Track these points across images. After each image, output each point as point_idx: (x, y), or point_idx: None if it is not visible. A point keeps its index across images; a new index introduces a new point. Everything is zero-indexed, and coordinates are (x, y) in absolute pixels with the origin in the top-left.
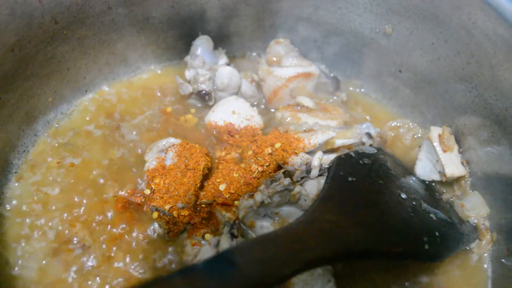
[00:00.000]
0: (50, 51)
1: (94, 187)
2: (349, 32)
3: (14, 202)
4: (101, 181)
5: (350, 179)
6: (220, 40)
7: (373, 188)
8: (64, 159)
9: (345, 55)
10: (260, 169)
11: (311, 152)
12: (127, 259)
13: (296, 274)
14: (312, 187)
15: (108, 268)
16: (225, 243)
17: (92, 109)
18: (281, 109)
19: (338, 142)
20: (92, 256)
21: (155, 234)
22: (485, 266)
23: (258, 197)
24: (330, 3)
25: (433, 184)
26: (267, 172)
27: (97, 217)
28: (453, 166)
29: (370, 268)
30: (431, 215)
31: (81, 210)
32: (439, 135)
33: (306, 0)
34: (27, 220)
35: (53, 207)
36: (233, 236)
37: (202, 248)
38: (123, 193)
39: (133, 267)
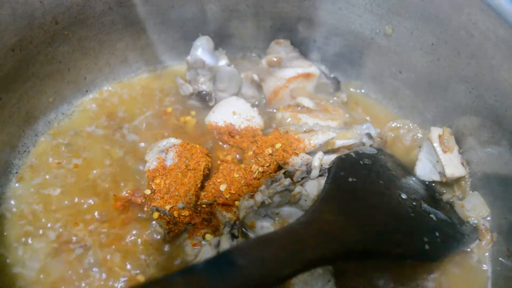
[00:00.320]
0: (51, 51)
1: (95, 188)
2: (349, 32)
3: (14, 202)
4: (102, 181)
5: (350, 179)
6: (221, 41)
7: (373, 189)
8: (64, 159)
9: (345, 55)
10: (260, 169)
11: (312, 153)
12: (128, 259)
13: (296, 274)
14: (313, 188)
15: (108, 268)
16: (226, 243)
17: (93, 110)
18: (282, 110)
19: (339, 143)
20: (92, 256)
21: (156, 235)
22: (485, 266)
23: (259, 197)
24: (330, 4)
25: (433, 184)
26: (268, 173)
27: (97, 217)
28: (453, 166)
29: (370, 268)
30: (431, 215)
31: (82, 211)
32: (439, 136)
33: (306, 0)
34: (28, 221)
35: (54, 208)
36: (233, 236)
37: (203, 249)
38: (123, 193)
39: (133, 267)
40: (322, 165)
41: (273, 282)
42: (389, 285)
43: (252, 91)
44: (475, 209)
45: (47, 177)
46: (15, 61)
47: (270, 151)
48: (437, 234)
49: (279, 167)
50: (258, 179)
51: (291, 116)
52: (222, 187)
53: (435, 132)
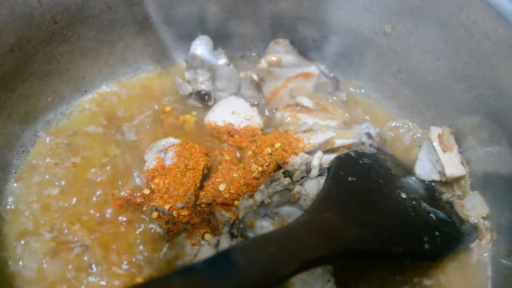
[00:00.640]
0: (50, 51)
1: (94, 187)
2: (349, 32)
3: (13, 202)
4: (101, 181)
5: (350, 179)
6: (220, 40)
7: (373, 188)
8: (63, 159)
9: (344, 55)
10: (260, 169)
11: (311, 152)
12: (127, 259)
13: (296, 274)
14: (312, 187)
15: (107, 267)
16: (225, 243)
17: (92, 109)
18: (281, 109)
19: (338, 142)
20: (91, 256)
21: (155, 234)
22: (485, 266)
23: (258, 197)
24: (330, 3)
25: (433, 184)
26: (267, 172)
27: (96, 217)
28: (453, 166)
29: (370, 268)
30: (431, 215)
31: (81, 210)
32: (439, 135)
33: (305, 0)
34: (27, 220)
35: (53, 207)
36: (233, 236)
37: (202, 248)
38: (122, 193)
39: (132, 266)
40: (321, 165)
41: (272, 281)
42: (389, 285)
43: (252, 90)
44: (475, 208)
45: (46, 176)
46: (13, 60)
47: (270, 151)
48: (437, 233)
49: (279, 167)
50: (258, 179)
51: (290, 115)
52: (221, 187)
53: (435, 131)
